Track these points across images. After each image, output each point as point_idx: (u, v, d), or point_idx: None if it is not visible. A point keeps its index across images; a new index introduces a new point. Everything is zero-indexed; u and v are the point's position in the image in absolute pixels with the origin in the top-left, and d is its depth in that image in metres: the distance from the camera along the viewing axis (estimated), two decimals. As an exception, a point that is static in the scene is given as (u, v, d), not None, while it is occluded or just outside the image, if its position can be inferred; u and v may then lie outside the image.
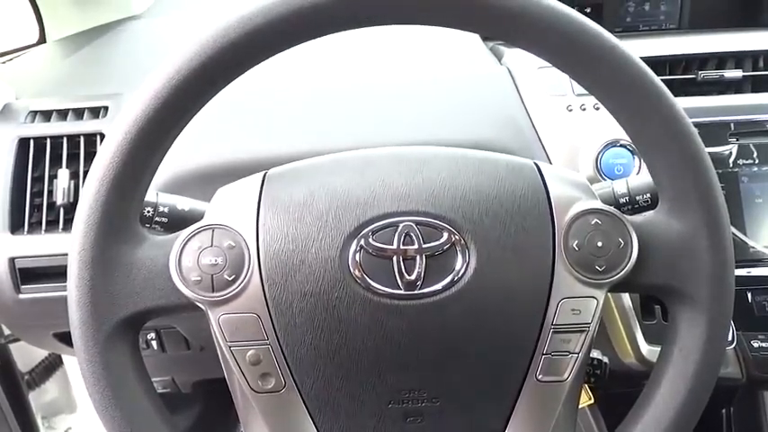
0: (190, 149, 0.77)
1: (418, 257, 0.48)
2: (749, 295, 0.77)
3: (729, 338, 0.74)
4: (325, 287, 0.48)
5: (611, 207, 0.52)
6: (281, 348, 0.49)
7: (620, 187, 0.59)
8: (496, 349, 0.50)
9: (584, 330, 0.50)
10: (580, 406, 0.60)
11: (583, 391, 0.70)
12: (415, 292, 0.48)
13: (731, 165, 0.80)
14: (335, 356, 0.49)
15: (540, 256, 0.50)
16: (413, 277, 0.48)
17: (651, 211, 0.53)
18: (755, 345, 0.75)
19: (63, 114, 0.83)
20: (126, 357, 0.49)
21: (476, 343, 0.49)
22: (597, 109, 0.80)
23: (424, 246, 0.48)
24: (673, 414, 0.50)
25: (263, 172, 0.54)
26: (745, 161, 0.80)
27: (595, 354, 0.61)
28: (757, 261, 0.78)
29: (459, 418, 0.51)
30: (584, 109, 0.81)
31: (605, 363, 0.60)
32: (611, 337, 0.81)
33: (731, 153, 0.80)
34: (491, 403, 0.51)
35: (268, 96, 0.84)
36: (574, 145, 0.80)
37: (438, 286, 0.48)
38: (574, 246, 0.50)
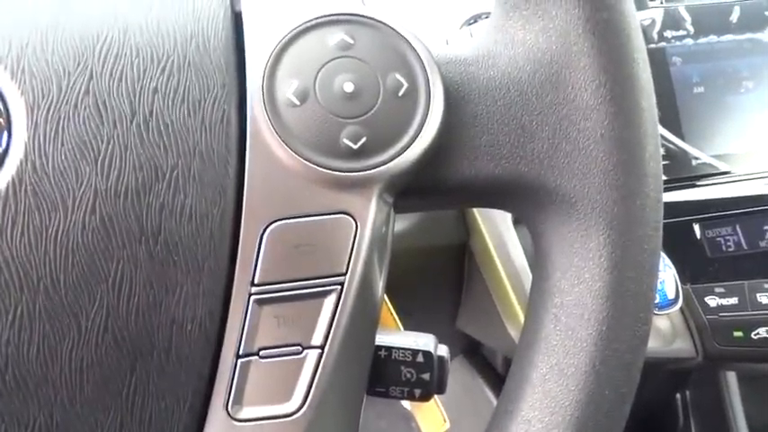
0: None
1: None
2: (697, 228, 0.54)
3: (672, 295, 0.48)
4: None
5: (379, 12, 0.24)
6: None
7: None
8: (109, 356, 0.22)
9: (329, 291, 0.23)
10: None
11: (433, 409, 0.42)
12: None
13: (655, 38, 0.57)
14: None
15: (208, 130, 0.23)
16: None
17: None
18: (712, 303, 0.52)
19: None
20: None
21: (49, 341, 0.22)
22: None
23: None
24: None
25: None
26: (674, 33, 0.58)
27: (416, 342, 0.32)
28: (703, 177, 0.56)
29: None
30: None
31: (439, 357, 0.32)
32: (504, 316, 0.58)
33: (654, 22, 0.57)
34: None
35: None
36: (420, 26, 0.54)
37: None
38: (290, 97, 0.22)
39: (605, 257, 0.24)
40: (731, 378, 0.68)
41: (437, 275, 0.64)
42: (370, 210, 0.23)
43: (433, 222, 0.57)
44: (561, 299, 0.24)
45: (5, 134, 0.22)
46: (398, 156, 0.23)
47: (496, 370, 0.78)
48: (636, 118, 0.24)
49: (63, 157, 0.22)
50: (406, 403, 0.63)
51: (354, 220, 0.23)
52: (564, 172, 0.24)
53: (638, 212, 0.24)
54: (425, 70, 0.24)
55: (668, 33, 0.57)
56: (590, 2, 0.23)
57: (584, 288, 0.24)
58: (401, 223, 0.53)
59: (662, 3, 0.57)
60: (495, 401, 0.69)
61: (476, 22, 0.55)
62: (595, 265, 0.24)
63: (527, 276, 0.54)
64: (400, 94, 0.24)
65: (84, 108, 0.22)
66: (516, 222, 0.55)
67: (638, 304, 0.24)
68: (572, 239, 0.24)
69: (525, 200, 0.25)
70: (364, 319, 0.25)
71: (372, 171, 0.23)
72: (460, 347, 0.77)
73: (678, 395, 0.84)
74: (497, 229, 0.55)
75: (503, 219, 0.55)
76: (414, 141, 0.23)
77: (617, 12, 0.24)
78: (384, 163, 0.23)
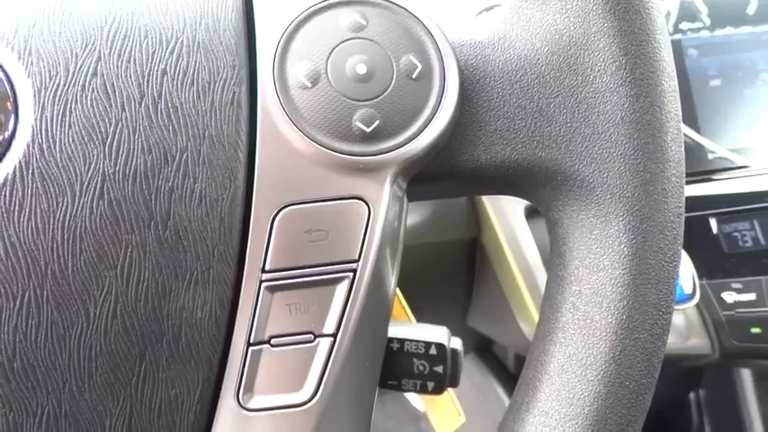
0: None
1: None
2: (713, 223, 0.53)
3: (689, 289, 0.47)
4: None
5: None
6: None
7: None
8: (118, 344, 0.22)
9: (341, 278, 0.22)
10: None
11: (448, 403, 0.41)
12: None
13: (671, 30, 0.57)
14: None
15: (218, 113, 0.22)
16: None
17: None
18: (729, 299, 0.52)
19: None
20: None
21: (57, 328, 0.21)
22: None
23: None
24: None
25: None
26: (690, 25, 0.57)
27: (429, 334, 0.31)
28: (719, 171, 0.55)
29: None
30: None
31: (452, 350, 0.31)
32: (516, 313, 0.57)
33: (669, 13, 0.57)
34: None
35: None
36: (435, 14, 0.54)
37: None
38: (301, 79, 0.22)
39: (625, 244, 0.23)
40: (746, 376, 0.66)
41: (447, 271, 0.63)
42: (384, 195, 0.23)
43: (443, 217, 0.56)
44: (579, 287, 0.24)
45: (12, 117, 0.22)
46: (412, 139, 0.23)
47: (508, 369, 0.76)
48: (657, 100, 0.23)
49: (70, 140, 0.21)
50: (415, 403, 0.62)
51: (367, 205, 0.22)
52: (582, 156, 0.23)
53: (660, 198, 0.23)
54: (440, 52, 0.23)
55: (684, 25, 0.56)
56: None
57: (603, 276, 0.23)
58: (410, 218, 0.53)
59: (678, -7, 0.56)
60: (506, 401, 0.68)
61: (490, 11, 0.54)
62: (615, 252, 0.23)
63: (540, 272, 0.53)
64: (414, 76, 0.23)
65: (92, 90, 0.22)
66: (528, 216, 0.54)
67: (660, 292, 0.23)
68: (591, 226, 0.24)
69: (542, 186, 0.24)
70: (377, 307, 0.24)
71: (386, 155, 0.22)
72: (471, 345, 0.76)
73: (692, 394, 0.83)
74: (509, 223, 0.54)
75: (514, 212, 0.54)
76: (428, 125, 0.23)
77: None
78: (398, 147, 0.22)
